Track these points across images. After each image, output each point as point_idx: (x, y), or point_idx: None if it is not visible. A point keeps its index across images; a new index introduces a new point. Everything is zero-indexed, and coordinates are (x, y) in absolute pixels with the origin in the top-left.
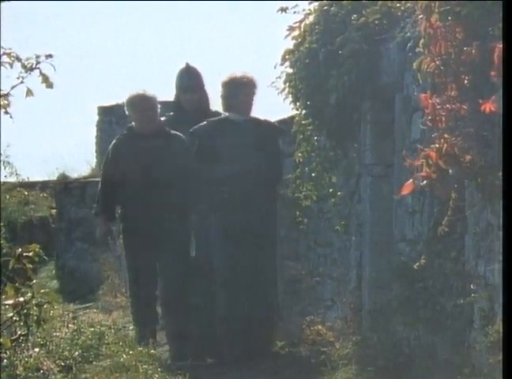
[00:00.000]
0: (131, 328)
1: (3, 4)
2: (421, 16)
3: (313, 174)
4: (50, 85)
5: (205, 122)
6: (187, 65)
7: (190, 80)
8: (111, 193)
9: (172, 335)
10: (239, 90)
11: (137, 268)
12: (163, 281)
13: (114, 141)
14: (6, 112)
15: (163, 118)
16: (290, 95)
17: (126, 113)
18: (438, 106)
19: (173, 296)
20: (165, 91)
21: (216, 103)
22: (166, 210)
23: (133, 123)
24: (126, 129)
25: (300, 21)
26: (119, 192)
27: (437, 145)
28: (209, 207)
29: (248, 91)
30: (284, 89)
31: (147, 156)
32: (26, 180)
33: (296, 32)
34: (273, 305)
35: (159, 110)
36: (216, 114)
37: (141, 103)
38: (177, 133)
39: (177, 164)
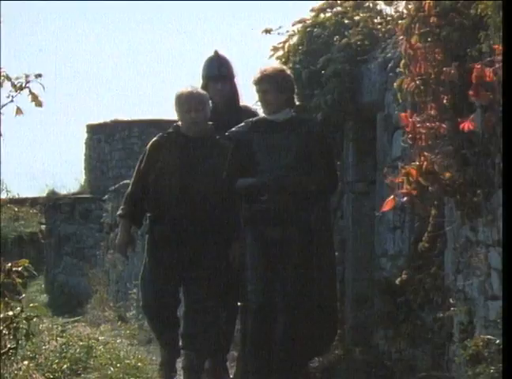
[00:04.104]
0: (119, 341)
1: None
2: (401, 37)
3: None
4: (39, 104)
5: (242, 124)
6: (216, 52)
7: (221, 68)
8: (141, 196)
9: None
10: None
11: (162, 291)
12: (188, 308)
13: (155, 138)
14: None
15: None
16: None
17: (174, 109)
18: (419, 125)
19: (196, 326)
20: (153, 110)
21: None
22: (203, 234)
23: (179, 122)
24: (173, 127)
25: (284, 42)
26: (151, 198)
27: (417, 163)
28: (244, 220)
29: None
30: None
31: (188, 164)
32: (16, 196)
33: (280, 52)
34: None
35: (209, 110)
36: (248, 110)
37: (187, 103)
38: (226, 142)
39: (221, 179)
